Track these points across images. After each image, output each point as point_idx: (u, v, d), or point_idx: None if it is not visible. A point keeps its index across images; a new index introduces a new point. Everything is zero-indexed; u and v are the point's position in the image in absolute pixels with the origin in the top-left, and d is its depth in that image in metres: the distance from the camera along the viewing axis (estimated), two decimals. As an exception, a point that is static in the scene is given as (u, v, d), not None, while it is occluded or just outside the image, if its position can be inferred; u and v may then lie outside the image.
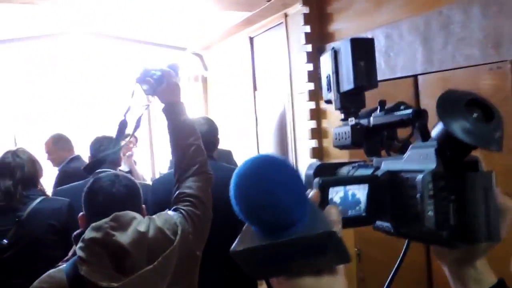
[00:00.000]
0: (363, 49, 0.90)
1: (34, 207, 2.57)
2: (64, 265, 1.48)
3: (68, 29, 5.84)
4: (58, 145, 4.20)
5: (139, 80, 1.93)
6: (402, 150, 0.84)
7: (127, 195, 1.54)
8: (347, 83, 0.91)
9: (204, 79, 6.45)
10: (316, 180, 0.72)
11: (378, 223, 0.79)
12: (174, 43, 6.34)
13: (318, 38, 3.00)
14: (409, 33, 2.47)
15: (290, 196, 0.58)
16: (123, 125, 1.90)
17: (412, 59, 2.45)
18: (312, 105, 3.17)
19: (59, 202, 2.70)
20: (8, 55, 5.67)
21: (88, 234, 1.39)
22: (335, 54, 0.95)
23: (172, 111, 1.85)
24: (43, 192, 2.78)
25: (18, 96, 5.70)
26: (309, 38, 3.02)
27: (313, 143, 3.40)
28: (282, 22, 4.09)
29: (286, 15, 4.02)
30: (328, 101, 0.99)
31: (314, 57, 3.04)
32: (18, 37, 5.64)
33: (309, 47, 3.02)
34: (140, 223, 1.43)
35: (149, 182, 4.81)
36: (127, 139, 3.89)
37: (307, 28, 3.02)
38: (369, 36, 2.61)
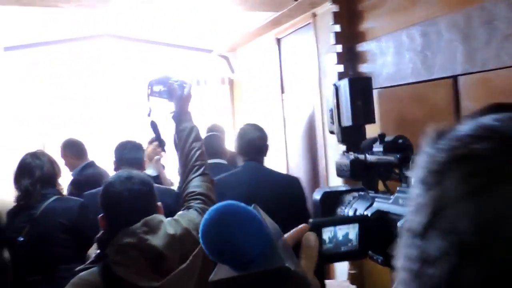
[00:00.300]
0: (360, 89, 0.99)
1: (47, 206, 2.63)
2: (93, 268, 1.51)
3: (94, 32, 5.81)
4: (67, 151, 3.97)
5: (154, 82, 2.10)
6: (401, 180, 0.90)
7: (140, 196, 1.55)
8: (347, 120, 1.01)
9: (230, 81, 6.33)
10: (310, 221, 0.81)
11: (371, 253, 0.87)
12: (200, 45, 6.25)
13: (349, 38, 2.82)
14: (448, 30, 2.28)
15: (246, 239, 0.67)
16: (154, 125, 2.07)
17: (452, 58, 2.25)
18: (342, 108, 3.01)
19: (71, 202, 2.77)
20: (35, 59, 5.67)
21: (122, 239, 1.45)
22: (337, 90, 1.03)
23: (184, 118, 1.98)
24: (59, 192, 2.82)
25: (45, 100, 5.69)
26: (339, 38, 2.84)
27: (344, 147, 3.23)
28: (310, 22, 3.93)
29: (314, 15, 3.85)
30: (332, 132, 1.11)
31: (344, 58, 2.86)
32: (45, 41, 5.63)
33: (339, 48, 2.85)
34: (168, 225, 1.52)
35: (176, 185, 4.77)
36: (152, 144, 3.81)
37: (337, 28, 2.84)
38: (404, 35, 2.43)
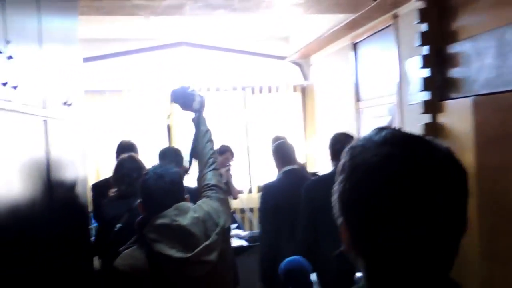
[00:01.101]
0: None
1: None
2: (134, 246, 1.81)
3: (170, 41, 5.74)
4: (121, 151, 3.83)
5: (176, 92, 2.34)
6: None
7: (169, 192, 1.82)
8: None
9: (303, 89, 6.02)
10: None
11: None
12: (273, 52, 6.00)
13: (438, 38, 2.42)
14: None
15: None
16: (168, 128, 2.38)
17: None
18: (427, 118, 2.59)
19: None
20: (113, 68, 5.68)
21: (157, 220, 1.74)
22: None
23: (201, 122, 2.25)
24: None
25: (123, 108, 5.67)
26: (425, 38, 2.45)
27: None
28: (391, 24, 3.55)
29: (395, 16, 3.47)
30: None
31: (431, 61, 2.47)
32: (121, 50, 5.63)
33: (425, 49, 2.46)
34: (194, 210, 1.83)
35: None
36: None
37: (424, 27, 2.45)
38: (509, 33, 2.02)
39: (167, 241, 1.70)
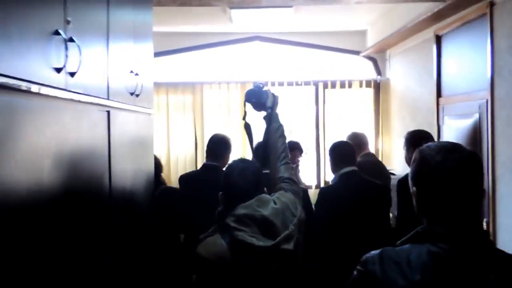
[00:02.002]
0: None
1: None
2: (215, 235, 1.79)
3: (244, 35, 5.56)
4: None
5: (250, 92, 2.30)
6: None
7: (254, 180, 1.86)
8: None
9: (376, 84, 5.63)
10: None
11: None
12: (347, 46, 5.65)
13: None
14: None
15: None
16: (248, 126, 2.33)
17: None
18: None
19: None
20: (194, 61, 5.60)
21: (240, 210, 1.75)
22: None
23: (274, 119, 2.26)
24: None
25: (196, 103, 5.57)
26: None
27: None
28: (485, 13, 3.13)
29: (491, 4, 3.05)
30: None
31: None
32: (194, 45, 5.52)
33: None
34: (274, 201, 1.85)
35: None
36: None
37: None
38: None
39: (249, 230, 1.73)
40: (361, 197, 2.78)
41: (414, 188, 1.24)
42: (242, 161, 1.95)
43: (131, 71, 2.02)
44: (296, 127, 5.74)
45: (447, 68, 3.93)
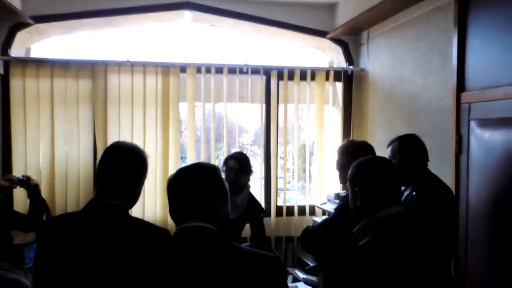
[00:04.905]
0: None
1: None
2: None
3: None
4: None
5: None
6: None
7: None
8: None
9: (348, 77, 4.09)
10: None
11: None
12: (311, 24, 4.06)
13: None
14: None
15: None
16: None
17: None
18: None
19: None
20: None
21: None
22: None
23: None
24: None
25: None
26: None
27: None
28: None
29: None
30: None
31: None
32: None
33: None
34: None
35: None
36: None
37: None
38: None
39: None
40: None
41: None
42: None
43: None
44: (240, 129, 4.11)
45: (478, 47, 2.42)
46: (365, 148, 2.19)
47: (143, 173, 1.62)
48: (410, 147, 2.30)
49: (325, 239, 2.04)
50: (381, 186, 1.47)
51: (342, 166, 2.18)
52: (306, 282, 2.98)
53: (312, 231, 2.12)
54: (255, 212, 2.93)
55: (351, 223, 1.95)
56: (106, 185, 1.55)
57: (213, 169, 1.32)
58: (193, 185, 1.23)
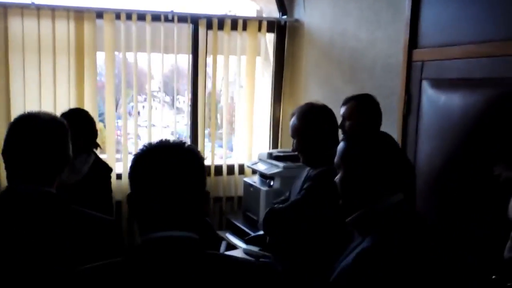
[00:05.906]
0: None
1: None
2: None
3: None
4: None
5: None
6: None
7: None
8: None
9: (280, 28, 3.82)
10: None
11: None
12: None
13: None
14: None
15: None
16: None
17: None
18: None
19: None
20: None
21: None
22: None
23: None
24: None
25: None
26: None
27: None
28: None
29: None
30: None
31: None
32: None
33: None
34: None
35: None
36: None
37: None
38: None
39: None
40: None
41: None
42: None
43: None
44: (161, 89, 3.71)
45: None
46: (325, 113, 1.98)
47: (64, 147, 1.26)
48: (368, 107, 2.14)
49: (293, 223, 1.84)
50: (383, 170, 1.22)
51: (298, 132, 1.96)
52: (248, 253, 2.73)
53: (279, 212, 1.90)
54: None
55: (322, 206, 1.76)
56: (19, 167, 1.18)
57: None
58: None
